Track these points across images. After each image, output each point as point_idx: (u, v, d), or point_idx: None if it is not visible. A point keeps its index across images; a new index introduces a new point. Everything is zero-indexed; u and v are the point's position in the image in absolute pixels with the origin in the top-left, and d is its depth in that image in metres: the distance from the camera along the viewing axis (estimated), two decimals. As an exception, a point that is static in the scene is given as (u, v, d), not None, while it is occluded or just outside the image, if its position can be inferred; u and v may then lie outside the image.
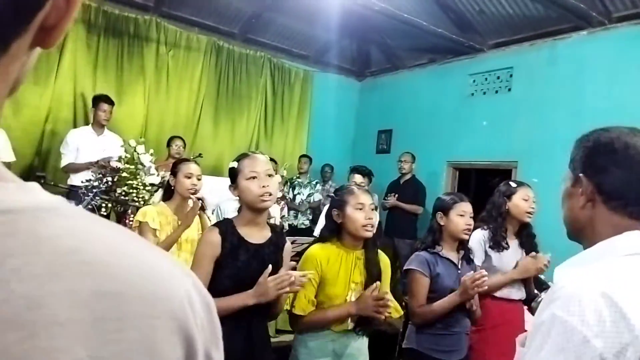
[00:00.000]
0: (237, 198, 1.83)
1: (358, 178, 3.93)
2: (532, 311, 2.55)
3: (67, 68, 4.99)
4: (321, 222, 3.91)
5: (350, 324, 2.02)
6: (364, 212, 2.00)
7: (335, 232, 2.06)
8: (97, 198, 3.29)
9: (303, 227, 5.51)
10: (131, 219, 3.21)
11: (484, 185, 5.65)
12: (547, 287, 2.56)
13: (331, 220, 2.07)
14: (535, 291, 2.64)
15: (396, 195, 5.35)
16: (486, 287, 2.14)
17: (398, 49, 6.49)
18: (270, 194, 1.74)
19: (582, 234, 0.95)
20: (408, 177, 5.57)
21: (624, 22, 4.43)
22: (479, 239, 2.54)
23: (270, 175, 1.76)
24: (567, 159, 0.98)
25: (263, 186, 1.73)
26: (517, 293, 2.57)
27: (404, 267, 2.33)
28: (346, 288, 2.00)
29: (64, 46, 4.95)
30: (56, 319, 0.31)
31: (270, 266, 1.68)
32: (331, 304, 1.97)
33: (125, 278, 0.35)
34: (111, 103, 4.55)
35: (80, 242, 0.34)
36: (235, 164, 1.80)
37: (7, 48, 0.33)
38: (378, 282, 1.94)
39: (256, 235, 1.80)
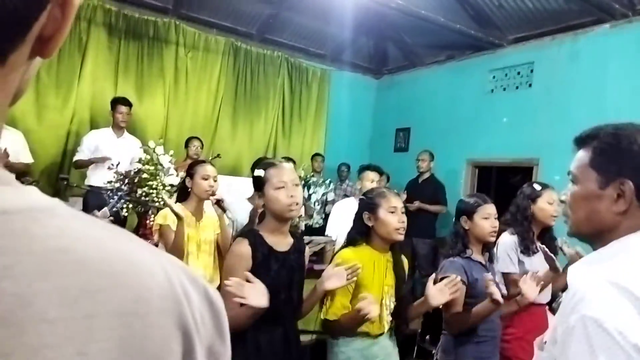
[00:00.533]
0: (258, 203, 1.84)
1: (374, 175, 3.85)
2: (553, 312, 2.49)
3: (89, 71, 5.11)
4: (332, 221, 3.86)
5: (385, 326, 2.01)
6: (397, 216, 1.99)
7: (364, 234, 2.04)
8: (121, 201, 3.33)
9: (317, 226, 5.50)
10: (152, 219, 3.25)
11: (505, 183, 5.56)
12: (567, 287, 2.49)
13: (361, 223, 2.04)
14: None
15: (405, 192, 5.26)
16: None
17: (415, 46, 6.43)
18: (298, 204, 1.76)
19: (600, 236, 0.92)
20: (427, 175, 5.51)
21: (649, 14, 4.31)
22: (509, 245, 2.49)
23: (296, 185, 1.77)
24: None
25: (291, 196, 1.74)
26: (543, 296, 2.51)
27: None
28: (381, 292, 1.98)
29: (86, 50, 5.07)
30: (45, 317, 0.31)
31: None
32: None
33: (116, 276, 0.35)
34: (129, 105, 4.63)
35: (72, 241, 0.34)
36: (262, 173, 1.79)
37: (4, 60, 0.34)
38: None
39: (281, 243, 1.80)
